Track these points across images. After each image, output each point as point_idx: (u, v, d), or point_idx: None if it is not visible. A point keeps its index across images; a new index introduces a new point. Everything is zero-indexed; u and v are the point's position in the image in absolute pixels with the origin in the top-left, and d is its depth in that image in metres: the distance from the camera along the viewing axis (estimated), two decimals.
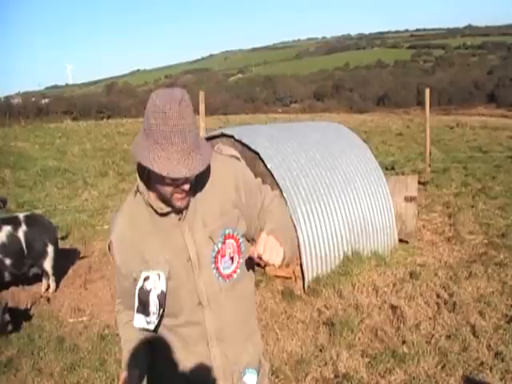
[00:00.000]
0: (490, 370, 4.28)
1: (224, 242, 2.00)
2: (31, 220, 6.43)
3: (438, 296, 5.78)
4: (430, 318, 5.29)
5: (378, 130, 22.18)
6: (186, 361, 2.08)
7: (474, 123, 24.46)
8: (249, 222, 2.09)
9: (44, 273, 6.39)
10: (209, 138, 7.31)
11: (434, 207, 9.51)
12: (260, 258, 1.85)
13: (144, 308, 1.99)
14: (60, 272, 6.75)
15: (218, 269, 2.00)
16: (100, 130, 21.60)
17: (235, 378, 2.10)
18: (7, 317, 5.22)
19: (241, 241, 2.05)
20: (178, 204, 1.91)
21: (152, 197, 1.97)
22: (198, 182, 1.96)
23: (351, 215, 6.71)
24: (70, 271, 6.95)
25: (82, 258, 7.41)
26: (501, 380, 4.16)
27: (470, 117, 33.04)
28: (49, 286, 6.44)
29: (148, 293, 1.97)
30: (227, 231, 2.00)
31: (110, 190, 11.41)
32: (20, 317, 5.61)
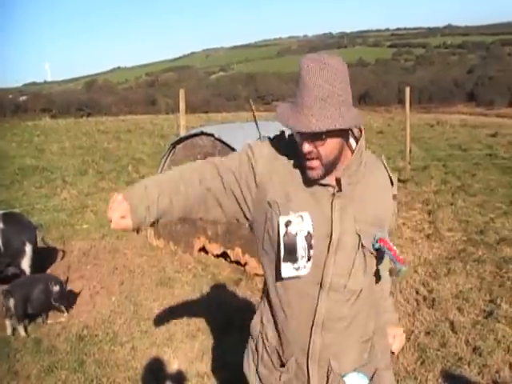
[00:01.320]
0: (468, 365, 4.33)
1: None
2: (9, 218, 6.34)
3: (417, 292, 5.82)
4: (409, 315, 5.32)
5: None
6: (282, 326, 2.04)
7: (454, 121, 24.66)
8: None
9: (22, 273, 6.30)
10: (189, 137, 7.29)
11: (414, 205, 9.57)
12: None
13: (291, 254, 1.87)
14: (38, 272, 6.68)
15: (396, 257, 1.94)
16: (79, 128, 21.44)
17: (332, 375, 2.01)
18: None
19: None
20: (308, 172, 1.86)
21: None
22: (366, 176, 1.99)
23: None
24: (49, 271, 6.87)
25: (62, 257, 7.34)
26: (478, 374, 4.21)
27: (450, 115, 33.31)
28: None
29: (294, 237, 1.85)
30: (376, 245, 1.96)
31: (90, 188, 11.32)
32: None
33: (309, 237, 1.86)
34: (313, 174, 1.86)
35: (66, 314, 5.68)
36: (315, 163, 1.84)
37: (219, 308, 5.59)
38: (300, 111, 1.76)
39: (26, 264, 6.24)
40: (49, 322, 5.56)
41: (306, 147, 1.81)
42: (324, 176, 1.88)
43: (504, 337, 4.75)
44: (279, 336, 2.07)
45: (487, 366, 4.31)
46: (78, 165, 13.71)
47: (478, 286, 5.95)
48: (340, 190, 1.89)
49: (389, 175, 2.09)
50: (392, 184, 2.08)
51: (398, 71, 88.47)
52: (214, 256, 7.08)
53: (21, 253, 6.22)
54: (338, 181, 1.89)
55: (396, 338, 2.34)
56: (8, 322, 5.24)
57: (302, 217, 1.86)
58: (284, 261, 1.87)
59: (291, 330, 2.02)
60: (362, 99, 64.00)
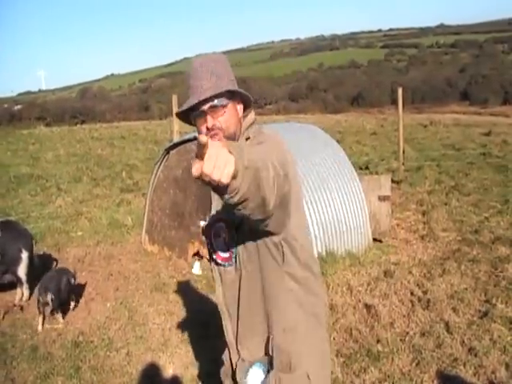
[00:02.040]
0: (464, 366, 4.32)
1: None
2: (5, 226, 6.35)
3: (412, 294, 5.81)
4: (404, 316, 5.32)
5: (352, 129, 22.30)
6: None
7: (448, 121, 24.71)
8: None
9: (18, 280, 6.29)
10: (182, 142, 7.30)
11: (408, 205, 9.58)
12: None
13: None
14: (34, 279, 6.68)
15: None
16: (74, 136, 21.45)
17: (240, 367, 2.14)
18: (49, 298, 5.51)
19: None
20: None
21: None
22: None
23: (325, 215, 6.73)
24: None
25: (56, 265, 7.33)
26: (474, 375, 4.20)
27: (443, 115, 33.36)
28: (22, 294, 6.34)
29: None
30: None
31: (84, 195, 11.32)
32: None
33: None
34: None
35: (73, 304, 6.01)
36: (217, 138, 1.97)
37: (214, 313, 5.58)
38: (194, 92, 2.01)
39: (22, 271, 6.24)
40: (46, 326, 5.57)
41: (210, 121, 2.00)
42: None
43: (500, 337, 4.74)
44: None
45: (483, 366, 4.31)
46: (72, 172, 13.71)
47: (473, 286, 5.95)
48: None
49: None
50: None
51: (391, 72, 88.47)
52: (209, 261, 7.06)
53: (17, 260, 6.22)
54: None
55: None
56: (40, 319, 5.56)
57: None
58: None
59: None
60: (355, 101, 64.03)
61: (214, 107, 1.99)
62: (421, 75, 73.28)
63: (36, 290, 5.76)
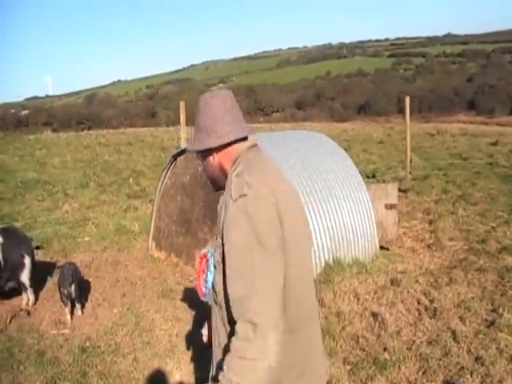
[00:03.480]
0: (471, 375, 4.31)
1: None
2: (6, 232, 6.39)
3: (418, 302, 5.81)
4: (410, 325, 5.31)
5: (359, 138, 22.33)
6: None
7: (454, 130, 24.72)
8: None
9: (22, 285, 6.32)
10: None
11: (415, 214, 9.58)
12: None
13: None
14: (40, 284, 6.71)
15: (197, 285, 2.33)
16: (80, 141, 21.55)
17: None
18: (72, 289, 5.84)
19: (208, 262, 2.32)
20: None
21: None
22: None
23: (332, 223, 6.73)
24: (51, 284, 6.88)
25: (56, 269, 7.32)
26: None
27: (450, 124, 33.37)
28: (29, 299, 6.37)
29: None
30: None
31: (91, 201, 11.36)
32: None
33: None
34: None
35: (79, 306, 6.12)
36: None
37: None
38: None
39: (25, 277, 6.27)
40: (52, 332, 5.60)
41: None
42: (216, 190, 2.34)
43: (506, 346, 4.73)
44: None
45: (490, 375, 4.30)
46: (79, 178, 13.76)
47: (479, 295, 5.94)
48: None
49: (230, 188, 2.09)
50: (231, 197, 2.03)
51: (398, 81, 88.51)
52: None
53: (20, 266, 6.25)
54: None
55: None
56: (67, 310, 5.89)
57: None
58: None
59: None
60: (362, 109, 64.10)
61: (198, 155, 2.33)
62: (428, 84, 73.29)
63: (57, 283, 6.03)
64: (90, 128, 36.14)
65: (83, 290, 6.30)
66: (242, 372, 1.78)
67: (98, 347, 5.25)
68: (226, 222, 1.96)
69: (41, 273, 6.93)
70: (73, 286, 5.80)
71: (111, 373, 4.77)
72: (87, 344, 5.32)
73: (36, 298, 6.42)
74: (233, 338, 1.84)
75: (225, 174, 2.19)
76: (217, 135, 2.16)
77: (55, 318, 5.97)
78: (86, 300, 6.29)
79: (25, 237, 6.71)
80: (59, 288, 5.88)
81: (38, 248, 7.49)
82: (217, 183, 2.28)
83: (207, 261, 2.31)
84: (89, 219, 9.81)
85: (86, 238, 8.78)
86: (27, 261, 6.30)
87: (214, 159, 2.23)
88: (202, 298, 2.20)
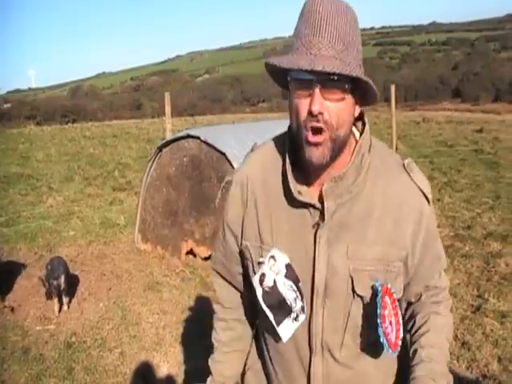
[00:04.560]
0: (457, 360, 4.34)
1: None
2: None
3: None
4: None
5: None
6: None
7: (440, 118, 24.77)
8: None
9: None
10: (175, 140, 7.27)
11: None
12: None
13: (281, 308, 1.46)
14: (25, 280, 6.64)
15: (386, 334, 1.43)
16: (65, 135, 21.29)
17: None
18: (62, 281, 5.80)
19: (397, 303, 1.49)
20: (310, 152, 1.35)
21: (289, 168, 1.47)
22: (370, 188, 1.46)
23: None
24: (35, 279, 6.82)
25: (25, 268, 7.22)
26: (467, 369, 4.24)
27: (435, 112, 33.42)
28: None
29: (276, 288, 1.46)
30: (379, 283, 1.44)
31: (76, 195, 11.24)
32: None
33: (290, 270, 1.46)
34: (316, 155, 1.35)
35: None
36: (321, 137, 1.33)
37: (208, 311, 5.57)
38: (307, 47, 1.32)
39: None
40: (37, 328, 5.54)
41: (317, 102, 1.29)
42: (328, 161, 1.38)
43: (492, 331, 4.77)
44: None
45: (476, 360, 4.33)
46: (63, 171, 13.61)
47: (465, 281, 5.97)
48: (322, 214, 1.42)
49: (419, 188, 1.52)
50: (428, 201, 1.55)
51: (384, 69, 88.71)
52: (202, 259, 7.06)
53: None
54: (321, 198, 1.42)
55: None
56: (55, 301, 5.85)
57: (273, 257, 1.46)
58: (278, 323, 1.47)
59: None
60: None
61: (331, 85, 1.29)
62: (413, 73, 73.71)
63: (44, 276, 5.97)
64: (74, 121, 35.78)
65: (71, 284, 6.22)
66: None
67: (84, 342, 5.21)
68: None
69: (25, 268, 6.87)
70: (62, 278, 5.77)
71: (98, 367, 4.73)
72: (73, 339, 5.27)
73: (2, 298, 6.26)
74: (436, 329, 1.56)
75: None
76: None
77: (40, 314, 5.90)
78: (73, 295, 6.22)
79: None
80: (48, 281, 5.82)
81: None
82: (330, 159, 1.39)
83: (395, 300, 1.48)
84: (74, 213, 9.72)
85: (71, 232, 8.70)
86: None
87: (355, 111, 1.45)
88: (390, 352, 1.42)
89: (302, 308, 1.45)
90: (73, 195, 11.18)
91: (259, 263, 1.50)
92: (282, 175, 1.50)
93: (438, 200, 9.48)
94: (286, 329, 1.45)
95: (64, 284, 5.80)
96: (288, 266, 1.44)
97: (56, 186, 11.94)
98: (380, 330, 1.39)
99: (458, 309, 5.28)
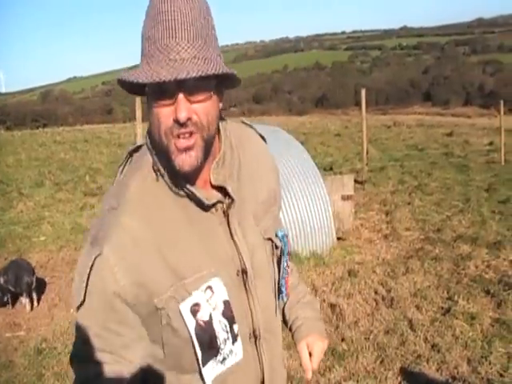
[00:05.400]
0: (427, 362, 4.37)
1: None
2: None
3: (376, 292, 5.86)
4: (368, 315, 5.36)
5: (316, 131, 22.45)
6: None
7: (411, 122, 25.10)
8: None
9: None
10: (142, 145, 7.23)
11: (372, 205, 9.68)
12: None
13: (211, 347, 1.29)
14: None
15: (287, 283, 1.48)
16: (35, 139, 21.10)
17: None
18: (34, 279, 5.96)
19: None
20: (181, 161, 1.19)
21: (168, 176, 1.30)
22: (242, 157, 1.43)
23: (289, 216, 6.76)
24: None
25: None
26: (437, 371, 4.26)
27: (406, 115, 33.93)
28: None
29: (211, 325, 1.28)
30: (280, 233, 1.48)
31: (47, 200, 11.14)
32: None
33: (227, 308, 1.31)
34: (189, 162, 1.20)
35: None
36: (191, 139, 1.19)
37: None
38: (165, 56, 1.15)
39: None
40: (6, 335, 5.47)
41: (182, 109, 1.15)
42: (198, 168, 1.24)
43: (462, 333, 4.82)
44: None
45: (445, 362, 4.37)
46: (34, 176, 13.48)
47: (435, 283, 6.03)
48: (232, 200, 1.34)
49: (259, 134, 1.61)
50: (265, 140, 1.61)
51: (355, 73, 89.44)
52: None
53: None
54: (224, 190, 1.33)
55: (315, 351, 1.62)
56: (27, 300, 6.00)
57: (210, 288, 1.28)
58: (204, 363, 1.29)
59: None
60: (319, 102, 64.57)
61: (196, 88, 1.16)
62: (384, 76, 74.34)
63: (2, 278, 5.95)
64: (45, 126, 35.46)
65: (39, 283, 6.32)
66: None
67: (55, 348, 5.15)
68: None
69: None
70: (33, 276, 5.90)
71: (68, 374, 4.67)
72: (43, 345, 5.21)
73: None
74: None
75: None
76: None
77: (10, 320, 5.84)
78: (40, 299, 6.22)
79: None
80: (16, 280, 5.87)
81: None
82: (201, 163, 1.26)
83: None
84: (44, 218, 9.62)
85: (42, 238, 8.61)
86: None
87: (218, 104, 1.33)
88: (284, 300, 1.51)
89: (231, 351, 1.33)
90: (43, 200, 11.07)
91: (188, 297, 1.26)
92: (174, 201, 1.30)
93: (409, 203, 9.59)
94: (211, 371, 1.31)
95: (35, 281, 5.93)
96: (226, 303, 1.31)
97: (26, 192, 11.82)
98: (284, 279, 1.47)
99: (428, 311, 5.33)
